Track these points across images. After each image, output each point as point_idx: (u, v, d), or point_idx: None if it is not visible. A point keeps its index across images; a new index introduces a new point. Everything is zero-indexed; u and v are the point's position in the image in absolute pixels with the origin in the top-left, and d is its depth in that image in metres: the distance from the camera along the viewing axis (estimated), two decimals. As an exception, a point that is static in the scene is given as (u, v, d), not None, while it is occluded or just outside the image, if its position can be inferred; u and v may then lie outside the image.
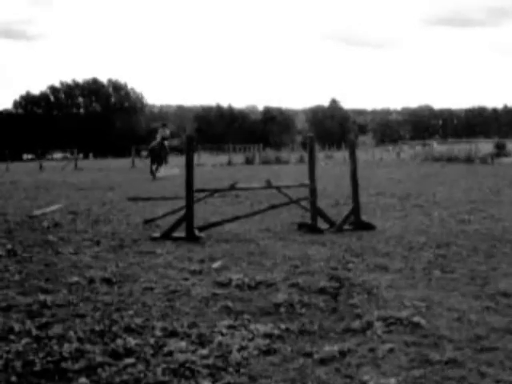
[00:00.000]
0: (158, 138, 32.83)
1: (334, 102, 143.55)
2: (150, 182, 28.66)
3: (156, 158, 32.11)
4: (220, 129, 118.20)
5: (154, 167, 31.88)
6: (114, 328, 6.15)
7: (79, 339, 5.80)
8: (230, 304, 7.03)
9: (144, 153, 40.79)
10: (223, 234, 12.10)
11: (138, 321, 6.38)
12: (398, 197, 19.28)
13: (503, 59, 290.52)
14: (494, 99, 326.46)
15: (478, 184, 24.20)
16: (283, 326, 6.17)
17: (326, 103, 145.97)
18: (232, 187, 13.51)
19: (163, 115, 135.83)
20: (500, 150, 55.05)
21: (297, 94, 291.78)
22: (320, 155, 53.21)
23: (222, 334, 5.94)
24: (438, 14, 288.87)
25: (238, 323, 6.30)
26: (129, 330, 6.12)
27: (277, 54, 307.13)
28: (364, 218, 13.00)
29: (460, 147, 53.38)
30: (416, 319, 6.36)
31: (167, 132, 33.83)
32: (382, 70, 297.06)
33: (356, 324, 6.27)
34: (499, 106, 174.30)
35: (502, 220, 13.69)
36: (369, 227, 12.51)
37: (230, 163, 50.07)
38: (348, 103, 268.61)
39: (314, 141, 13.61)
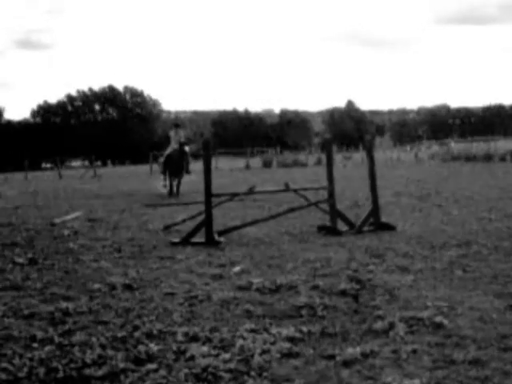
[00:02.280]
0: (174, 143, 24.97)
1: (350, 104, 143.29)
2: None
3: (175, 169, 24.18)
4: (237, 133, 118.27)
5: (173, 181, 24.43)
6: (136, 334, 6.16)
7: (101, 346, 5.81)
8: (251, 308, 7.02)
9: (157, 165, 31.09)
10: (243, 237, 12.11)
11: (160, 326, 6.39)
12: (417, 197, 19.22)
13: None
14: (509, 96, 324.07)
15: (497, 182, 24.06)
16: (305, 329, 6.15)
17: (342, 105, 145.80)
18: (250, 191, 13.52)
19: (179, 121, 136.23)
20: (519, 148, 54.67)
21: (313, 97, 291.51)
22: (338, 157, 53.14)
23: (244, 338, 5.93)
24: (453, 12, 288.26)
25: (260, 327, 6.29)
26: (150, 335, 6.13)
27: (292, 57, 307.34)
28: (384, 218, 12.97)
29: (478, 146, 53.10)
30: (438, 319, 6.32)
31: (182, 134, 25.58)
32: (398, 69, 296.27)
33: (378, 325, 6.23)
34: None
35: (523, 218, 13.59)
36: (389, 228, 12.47)
37: (247, 167, 50.13)
38: (364, 104, 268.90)
39: (331, 143, 13.63)
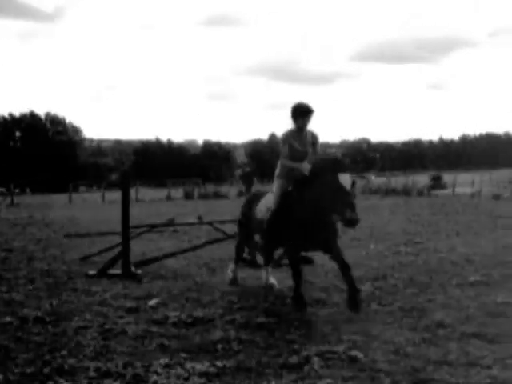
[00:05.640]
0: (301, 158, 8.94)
1: (273, 136, 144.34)
2: (88, 216, 28.05)
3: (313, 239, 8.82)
4: (159, 163, 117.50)
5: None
6: (46, 370, 5.98)
7: (8, 383, 5.61)
8: (165, 342, 6.93)
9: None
10: (160, 270, 11.96)
11: (72, 361, 6.23)
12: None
13: (437, 93, 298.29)
14: (429, 132, 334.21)
15: (414, 216, 24.53)
16: (220, 364, 6.10)
17: (265, 137, 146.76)
18: (169, 223, 13.41)
19: (101, 150, 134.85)
20: (436, 182, 56.31)
21: (236, 129, 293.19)
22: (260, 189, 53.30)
23: (158, 374, 5.84)
24: (374, 49, 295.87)
25: (174, 362, 6.21)
26: (61, 371, 5.97)
27: (215, 89, 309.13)
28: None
29: (397, 180, 54.19)
30: (353, 353, 6.37)
31: (317, 139, 9.32)
32: (320, 104, 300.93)
33: (293, 359, 6.23)
34: (435, 138, 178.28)
35: (438, 251, 13.89)
36: (306, 261, 12.48)
37: (169, 198, 49.74)
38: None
39: (251, 175, 13.67)
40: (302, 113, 8.98)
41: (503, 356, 6.33)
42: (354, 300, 8.27)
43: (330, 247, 8.85)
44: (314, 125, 9.15)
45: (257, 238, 10.30)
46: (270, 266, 10.28)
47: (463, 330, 7.31)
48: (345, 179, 7.97)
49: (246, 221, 10.22)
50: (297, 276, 8.76)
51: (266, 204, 9.46)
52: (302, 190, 8.67)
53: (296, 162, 8.91)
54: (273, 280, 10.14)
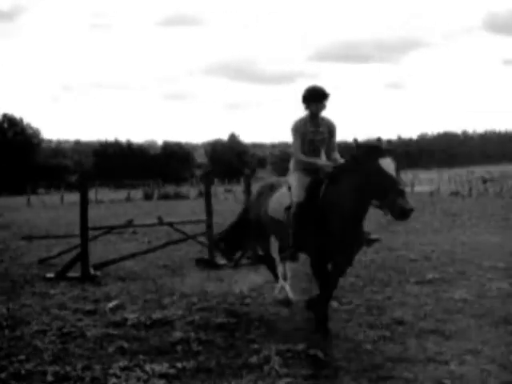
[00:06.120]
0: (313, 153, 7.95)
1: (232, 136, 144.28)
2: (46, 218, 27.73)
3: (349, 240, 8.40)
4: (119, 164, 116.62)
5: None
6: (3, 375, 5.90)
7: (-38, 390, 5.53)
8: (125, 344, 6.87)
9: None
10: (120, 271, 11.88)
11: (29, 366, 6.15)
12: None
13: (396, 93, 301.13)
14: (388, 131, 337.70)
15: (375, 214, 24.65)
16: (180, 365, 6.08)
17: (225, 137, 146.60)
18: (128, 224, 13.32)
19: (61, 151, 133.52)
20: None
21: (196, 129, 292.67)
22: (219, 189, 53.26)
23: (117, 376, 5.80)
24: (333, 49, 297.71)
25: (133, 364, 6.16)
26: (18, 376, 5.90)
27: (175, 89, 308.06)
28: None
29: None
30: (313, 352, 6.39)
31: (333, 128, 8.06)
32: (280, 104, 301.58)
33: (253, 359, 6.23)
34: (393, 137, 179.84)
35: (397, 250, 13.98)
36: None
37: (128, 199, 49.45)
38: (247, 137, 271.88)
39: (209, 176, 13.65)
40: (315, 97, 7.70)
41: (460, 352, 6.41)
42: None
43: (350, 260, 7.89)
44: (329, 112, 7.97)
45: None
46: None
47: (421, 327, 7.39)
48: (387, 164, 6.80)
49: (258, 220, 8.71)
50: (325, 297, 7.52)
51: (282, 202, 8.10)
52: (337, 185, 7.50)
53: (311, 154, 7.85)
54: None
